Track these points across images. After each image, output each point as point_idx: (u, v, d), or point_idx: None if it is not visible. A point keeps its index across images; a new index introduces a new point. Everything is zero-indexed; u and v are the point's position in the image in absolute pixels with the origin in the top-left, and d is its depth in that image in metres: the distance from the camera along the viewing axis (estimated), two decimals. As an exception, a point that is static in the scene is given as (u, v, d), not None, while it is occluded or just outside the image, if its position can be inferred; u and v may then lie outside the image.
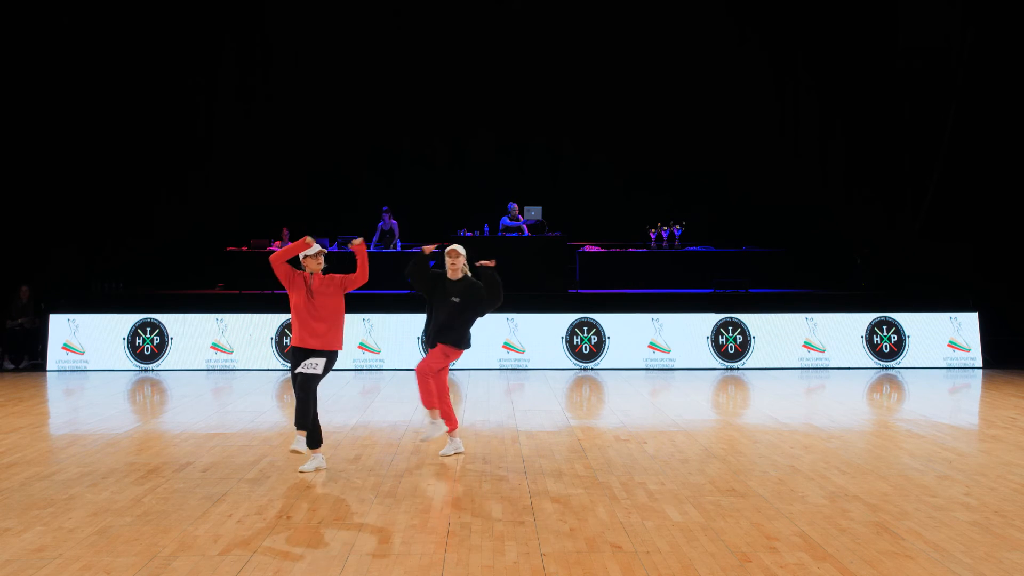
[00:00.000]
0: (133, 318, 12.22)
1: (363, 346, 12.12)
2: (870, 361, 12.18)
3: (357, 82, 16.00)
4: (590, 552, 4.52)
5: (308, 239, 6.26)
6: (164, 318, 12.22)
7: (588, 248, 14.39)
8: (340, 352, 6.36)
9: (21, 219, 13.86)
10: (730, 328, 12.24)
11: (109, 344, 12.18)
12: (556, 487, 5.81)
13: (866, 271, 13.84)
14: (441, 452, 6.82)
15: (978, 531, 4.83)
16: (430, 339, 6.71)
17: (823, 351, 12.18)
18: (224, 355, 12.11)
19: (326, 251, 6.34)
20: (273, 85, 16.12)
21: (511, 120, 16.02)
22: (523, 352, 12.18)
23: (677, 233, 14.61)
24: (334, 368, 6.43)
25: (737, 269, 13.86)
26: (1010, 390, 10.26)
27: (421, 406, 6.84)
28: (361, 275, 6.31)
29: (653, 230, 14.63)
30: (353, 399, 9.64)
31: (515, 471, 6.27)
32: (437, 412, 6.66)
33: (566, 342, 12.21)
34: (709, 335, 12.22)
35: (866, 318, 12.33)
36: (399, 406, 9.17)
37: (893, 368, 12.13)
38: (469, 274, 6.69)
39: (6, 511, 5.29)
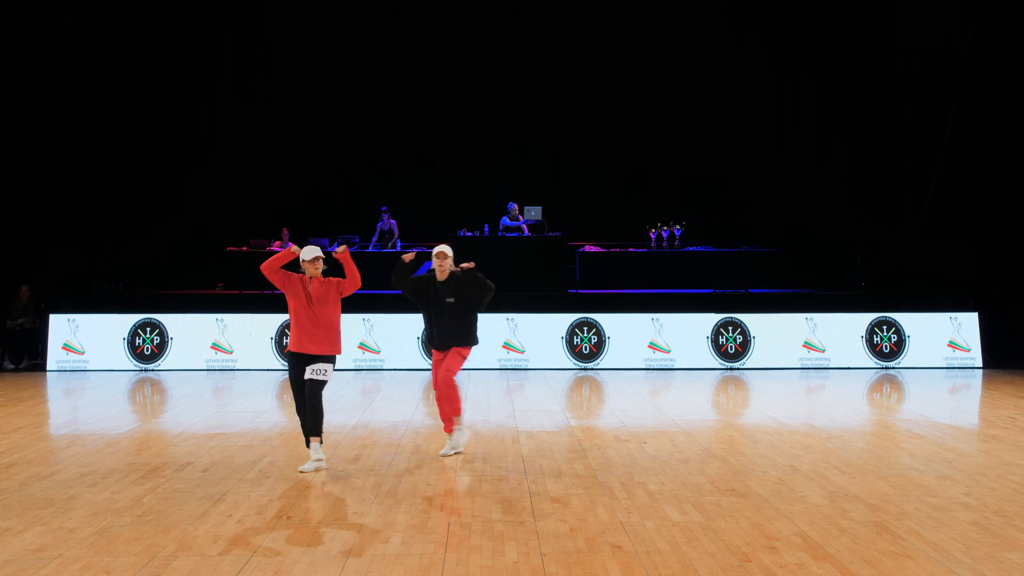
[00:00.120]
0: (133, 318, 12.22)
1: (363, 346, 12.12)
2: (870, 361, 12.18)
3: (357, 82, 16.01)
4: (590, 552, 4.52)
5: (293, 248, 6.24)
6: (164, 318, 12.22)
7: (588, 248, 14.39)
8: (339, 356, 6.38)
9: (21, 219, 13.86)
10: (730, 328, 12.24)
11: (109, 344, 12.18)
12: (556, 487, 5.81)
13: (866, 271, 13.84)
14: (441, 452, 6.82)
15: (978, 531, 4.83)
16: (438, 343, 6.70)
17: (823, 351, 12.18)
18: (224, 355, 12.11)
19: (323, 256, 6.27)
20: (273, 85, 16.13)
21: (511, 120, 16.03)
22: (523, 352, 12.18)
23: (677, 233, 14.61)
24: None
25: (737, 269, 13.87)
26: (1010, 390, 10.26)
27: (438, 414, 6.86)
28: (351, 282, 6.26)
29: (653, 230, 14.64)
30: (353, 399, 9.64)
31: (515, 471, 6.27)
32: (461, 418, 6.78)
33: (566, 342, 12.21)
34: (709, 335, 12.22)
35: (866, 318, 12.33)
36: (399, 406, 9.17)
37: (893, 368, 12.13)
38: (457, 270, 6.69)
39: (6, 511, 5.29)
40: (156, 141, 15.17)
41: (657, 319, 12.23)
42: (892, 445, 7.13)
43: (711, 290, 12.98)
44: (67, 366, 12.13)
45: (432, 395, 9.78)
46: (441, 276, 6.65)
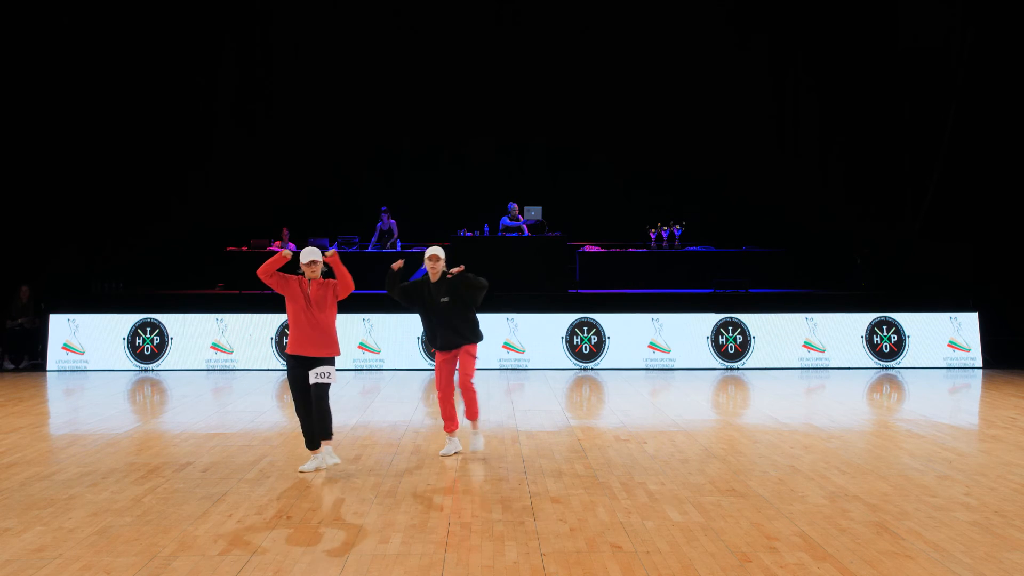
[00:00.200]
0: (133, 318, 12.22)
1: (363, 346, 12.12)
2: (870, 361, 12.18)
3: (357, 82, 16.01)
4: (590, 552, 4.52)
5: (284, 252, 6.21)
6: (164, 318, 12.23)
7: (588, 248, 14.39)
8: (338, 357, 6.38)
9: (21, 219, 13.86)
10: (730, 328, 12.24)
11: (109, 344, 12.18)
12: (556, 487, 5.81)
13: (866, 271, 13.84)
14: (441, 452, 6.82)
15: (978, 531, 4.83)
16: (442, 344, 6.69)
17: (823, 351, 12.18)
18: (224, 355, 12.11)
19: (320, 260, 6.20)
20: (273, 84, 16.13)
21: (511, 120, 16.03)
22: (523, 352, 12.18)
23: (677, 233, 14.61)
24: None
25: (737, 269, 13.87)
26: (1010, 390, 10.26)
27: (464, 417, 6.86)
28: (343, 286, 6.22)
29: (653, 230, 14.63)
30: (353, 399, 9.64)
31: (515, 471, 6.27)
32: (478, 422, 6.80)
33: (566, 342, 12.21)
34: (709, 335, 12.22)
35: (866, 318, 12.33)
36: (399, 406, 9.17)
37: (893, 368, 12.13)
38: (449, 273, 6.68)
39: (6, 511, 5.29)
40: (156, 141, 15.16)
41: (657, 319, 12.23)
42: (892, 445, 7.13)
43: (711, 290, 12.98)
44: (67, 366, 12.13)
45: (433, 395, 9.82)
46: (434, 278, 6.66)
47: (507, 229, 13.93)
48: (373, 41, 16.05)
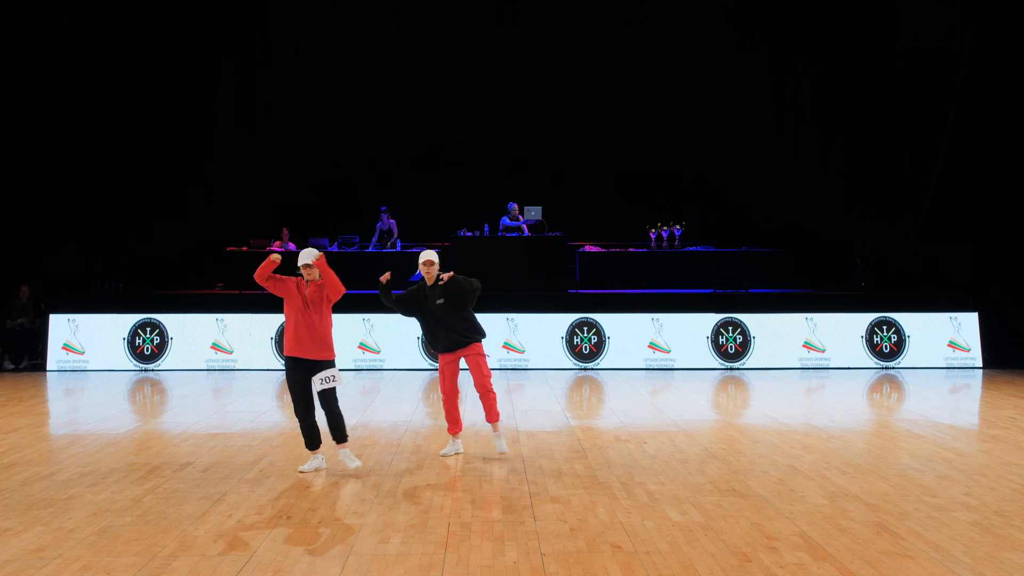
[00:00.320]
0: (133, 318, 12.23)
1: (363, 346, 12.12)
2: (870, 361, 12.18)
3: (357, 82, 16.01)
4: (590, 552, 4.52)
5: (273, 256, 6.21)
6: (164, 318, 12.23)
7: (588, 248, 14.39)
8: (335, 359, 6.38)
9: (21, 219, 13.86)
10: (730, 328, 12.24)
11: (109, 344, 12.18)
12: (556, 487, 5.81)
13: (866, 271, 13.84)
14: (442, 452, 6.83)
15: (978, 531, 4.83)
16: (445, 346, 6.67)
17: (823, 351, 12.18)
18: (224, 355, 12.11)
19: (311, 263, 6.15)
20: (273, 85, 16.12)
21: (511, 120, 16.02)
22: (523, 352, 12.18)
23: (677, 233, 14.61)
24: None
25: (737, 269, 13.87)
26: (1010, 390, 10.26)
27: (485, 420, 6.84)
28: (332, 289, 6.18)
29: (653, 230, 14.63)
30: (353, 399, 9.64)
31: (515, 471, 6.27)
32: (499, 424, 6.77)
33: (566, 342, 12.21)
34: (709, 335, 12.22)
35: (866, 318, 12.33)
36: (399, 406, 9.17)
37: (893, 368, 12.13)
38: (441, 279, 6.67)
39: (6, 511, 5.29)
40: (156, 141, 15.18)
41: (657, 319, 12.23)
42: (892, 445, 7.13)
43: (711, 290, 12.98)
44: (67, 366, 12.13)
45: (433, 395, 9.83)
46: (430, 282, 6.67)
47: (507, 229, 13.93)
48: (373, 41, 16.05)
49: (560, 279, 13.43)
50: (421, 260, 6.66)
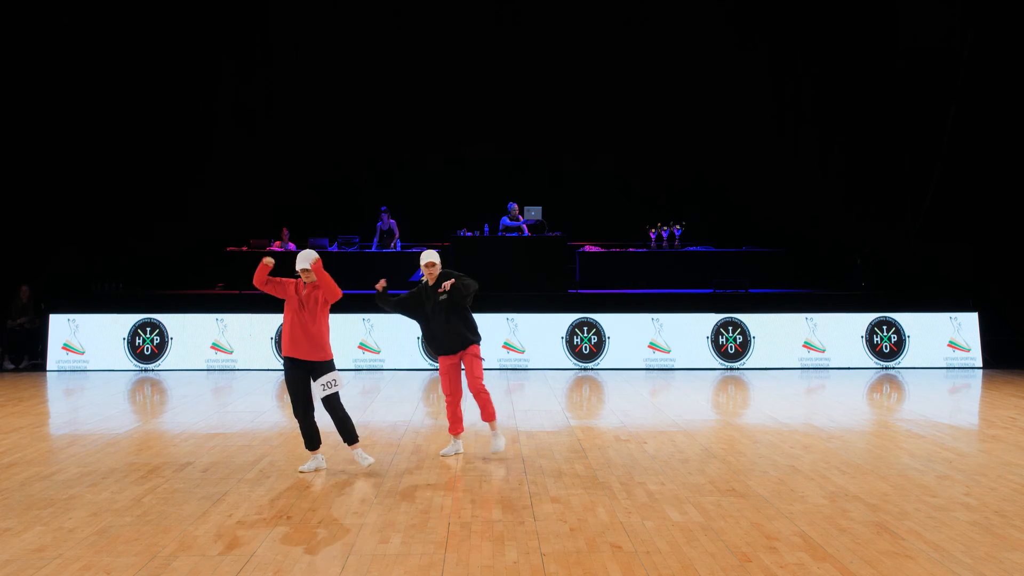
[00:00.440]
0: (133, 318, 12.22)
1: (363, 346, 12.12)
2: (870, 361, 12.18)
3: (357, 82, 16.02)
4: (590, 552, 4.52)
5: (266, 260, 6.21)
6: (164, 318, 12.23)
7: (588, 248, 14.39)
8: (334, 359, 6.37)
9: (21, 219, 13.86)
10: (730, 328, 12.24)
11: (109, 344, 12.18)
12: (556, 487, 5.81)
13: (866, 271, 13.84)
14: (442, 452, 6.83)
15: (978, 531, 4.83)
16: (445, 348, 6.67)
17: (823, 351, 12.18)
18: (224, 355, 12.11)
19: (308, 267, 6.12)
20: (273, 85, 16.13)
21: (511, 120, 16.03)
22: (523, 352, 12.18)
23: (677, 233, 14.61)
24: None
25: (737, 269, 13.87)
26: (1010, 390, 10.26)
27: (481, 420, 6.85)
28: (329, 293, 6.18)
29: (653, 230, 14.63)
30: (353, 399, 9.64)
31: (515, 471, 6.27)
32: (496, 423, 6.78)
33: (566, 342, 12.21)
34: (709, 335, 12.22)
35: (866, 318, 12.33)
36: (399, 406, 9.17)
37: (893, 368, 12.13)
38: (442, 288, 6.66)
39: (6, 511, 5.29)
40: (156, 141, 15.18)
41: (657, 319, 12.23)
42: (892, 445, 7.13)
43: (711, 290, 12.98)
44: (67, 366, 12.13)
45: (433, 395, 9.83)
46: (431, 282, 6.68)
47: (507, 229, 13.93)
48: (373, 41, 16.05)
49: (560, 279, 13.43)
50: (423, 261, 6.66)
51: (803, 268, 14.49)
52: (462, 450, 6.88)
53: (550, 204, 14.44)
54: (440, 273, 6.68)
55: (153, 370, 12.08)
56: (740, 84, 15.90)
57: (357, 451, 6.29)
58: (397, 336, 12.14)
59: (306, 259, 6.16)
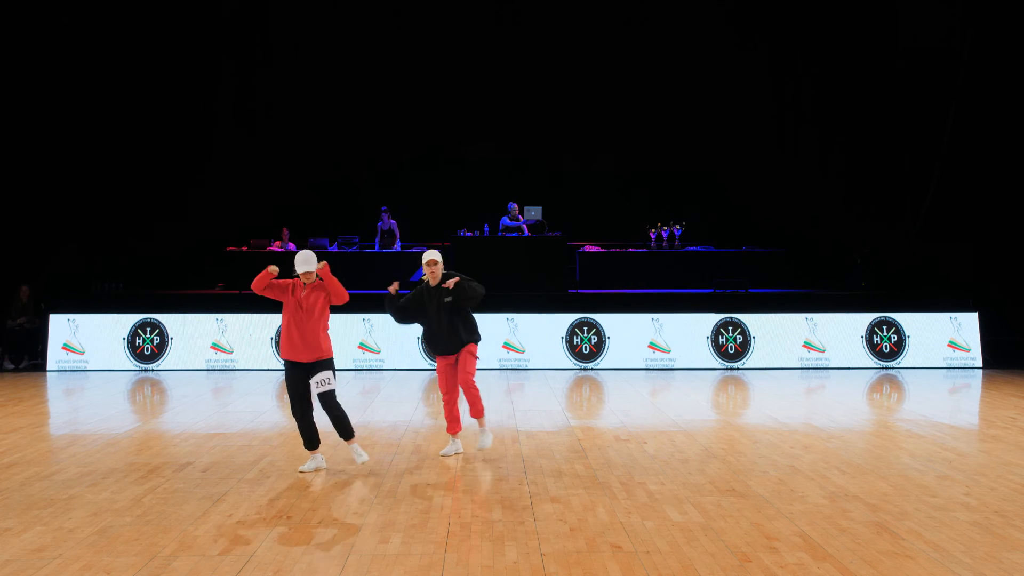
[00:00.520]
0: (133, 318, 12.22)
1: (363, 346, 12.12)
2: (870, 361, 12.18)
3: (357, 81, 16.00)
4: (590, 552, 4.52)
5: (271, 268, 6.17)
6: (164, 318, 12.22)
7: (588, 248, 14.39)
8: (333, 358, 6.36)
9: (21, 219, 13.86)
10: (730, 328, 12.24)
11: (109, 344, 12.18)
12: (556, 487, 5.81)
13: (866, 271, 13.84)
14: (441, 452, 6.83)
15: (978, 531, 4.83)
16: (444, 348, 6.69)
17: (823, 351, 12.18)
18: (224, 355, 12.11)
19: (312, 270, 6.15)
20: (273, 85, 16.12)
21: (511, 120, 16.01)
22: (523, 352, 12.18)
23: (677, 233, 14.61)
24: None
25: (737, 269, 13.87)
26: (1010, 390, 10.26)
27: (470, 416, 6.85)
28: (336, 297, 6.20)
29: (653, 230, 14.63)
30: (353, 399, 9.64)
31: (515, 471, 6.27)
32: (484, 419, 6.78)
33: (566, 342, 12.21)
34: (709, 335, 12.22)
35: (866, 318, 12.33)
36: (399, 406, 9.17)
37: (893, 368, 12.13)
38: (447, 284, 6.67)
39: (6, 511, 5.29)
40: (156, 141, 15.17)
41: (657, 319, 12.23)
42: (892, 445, 7.13)
43: (711, 290, 12.98)
44: (67, 366, 12.13)
45: (433, 395, 9.83)
46: (434, 282, 6.68)
47: (507, 229, 13.93)
48: (373, 41, 16.05)
49: (560, 279, 13.43)
50: (424, 260, 6.66)
51: (803, 268, 14.49)
52: (462, 450, 6.88)
53: (550, 204, 14.43)
54: (443, 274, 6.68)
55: (153, 370, 12.08)
56: (740, 84, 15.89)
57: (354, 446, 6.29)
58: (397, 336, 12.13)
59: (309, 261, 6.15)
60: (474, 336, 6.74)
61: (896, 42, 14.92)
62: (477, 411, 6.75)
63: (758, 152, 15.85)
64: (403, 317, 6.81)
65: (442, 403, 6.88)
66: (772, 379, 11.21)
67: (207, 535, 4.82)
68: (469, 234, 13.69)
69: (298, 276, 6.22)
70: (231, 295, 12.87)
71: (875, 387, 10.68)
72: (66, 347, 12.16)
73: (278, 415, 8.65)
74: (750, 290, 12.93)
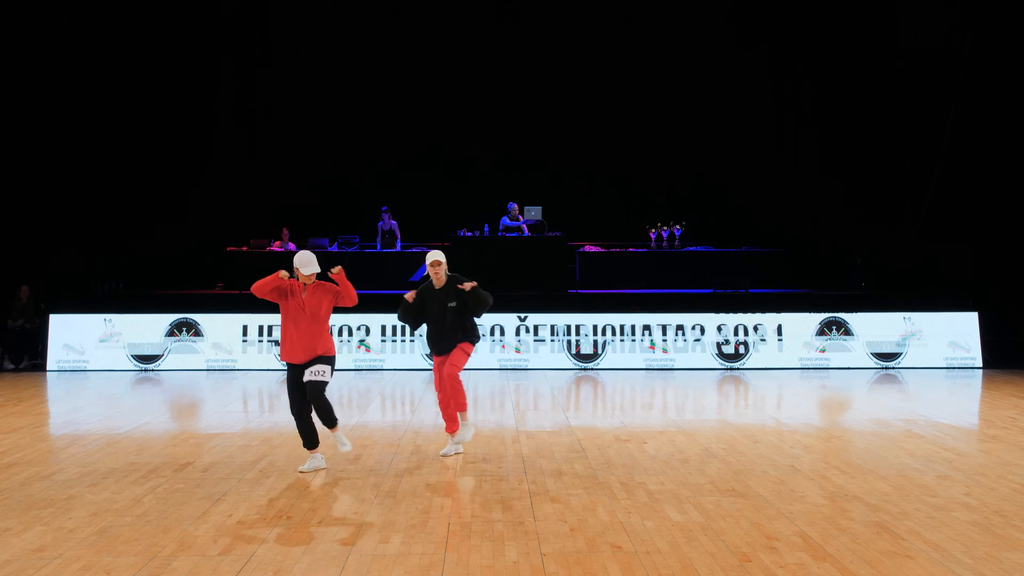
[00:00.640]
0: (134, 318, 12.22)
1: (363, 346, 12.12)
2: (870, 361, 12.17)
3: (357, 81, 16.00)
4: (590, 552, 4.52)
5: (282, 273, 6.14)
6: (164, 318, 12.21)
7: (588, 248, 14.39)
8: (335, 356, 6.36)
9: (21, 219, 13.86)
10: (731, 328, 12.23)
11: (110, 344, 12.17)
12: (556, 487, 5.81)
13: (866, 271, 13.84)
14: (441, 452, 6.82)
15: (978, 531, 4.83)
16: (441, 348, 6.72)
17: (823, 351, 12.17)
18: (225, 355, 12.10)
19: (317, 271, 6.15)
20: (273, 85, 16.12)
21: (512, 120, 16.00)
22: (523, 352, 12.17)
23: (677, 233, 14.61)
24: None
25: (737, 269, 13.86)
26: (1010, 390, 10.26)
27: (438, 409, 6.86)
28: (349, 299, 6.20)
29: (653, 230, 14.63)
30: (353, 399, 9.64)
31: (515, 471, 6.27)
32: (467, 414, 6.79)
33: (566, 342, 12.21)
34: (710, 336, 12.21)
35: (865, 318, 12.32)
36: (399, 406, 9.18)
37: (893, 368, 12.12)
38: (462, 287, 6.67)
39: (6, 511, 5.29)
40: (156, 141, 15.16)
41: (657, 319, 12.22)
42: (892, 445, 7.13)
43: (711, 290, 12.98)
44: (67, 366, 12.13)
45: (434, 396, 9.82)
46: (438, 283, 6.68)
47: (507, 229, 13.93)
48: (373, 41, 16.04)
49: (560, 279, 13.42)
50: (429, 260, 6.67)
51: (803, 268, 14.48)
52: (462, 450, 6.88)
53: (550, 204, 14.43)
54: (449, 276, 6.69)
55: (153, 370, 12.08)
56: (740, 84, 15.88)
57: (337, 435, 6.27)
58: (397, 336, 12.13)
59: (313, 262, 6.14)
60: (471, 337, 6.75)
61: (896, 42, 14.91)
62: (459, 404, 6.75)
63: (758, 152, 15.84)
64: (415, 321, 6.82)
65: (438, 402, 6.88)
66: (772, 379, 11.21)
67: (207, 535, 4.82)
68: (469, 234, 13.69)
69: (295, 277, 6.19)
70: (231, 295, 12.84)
71: (875, 387, 10.66)
72: (67, 347, 12.14)
73: (278, 415, 8.65)
74: (750, 290, 12.92)
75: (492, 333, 12.07)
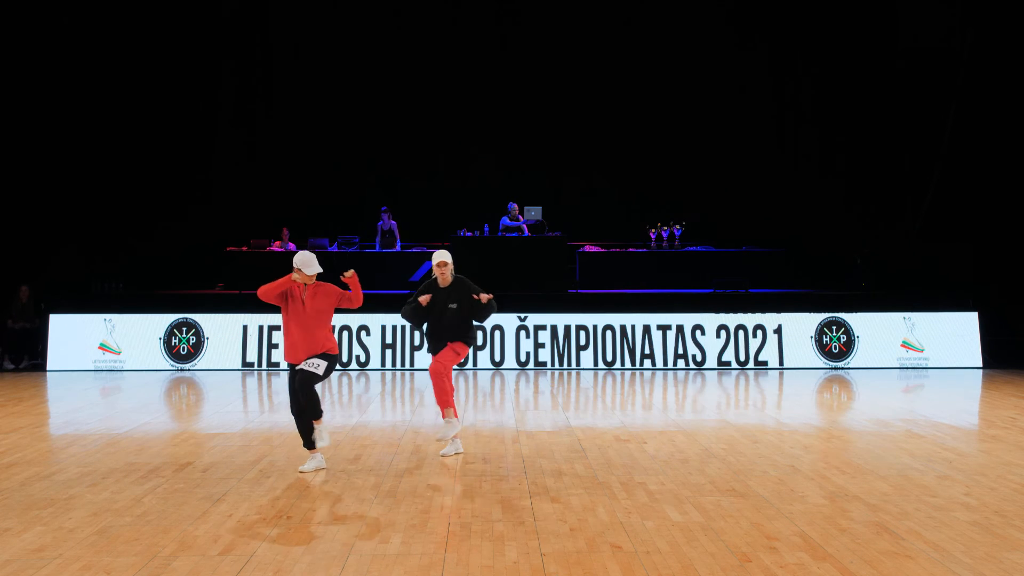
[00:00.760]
0: (134, 318, 12.21)
1: (363, 346, 12.11)
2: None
3: (357, 81, 16.01)
4: (590, 552, 4.52)
5: (295, 276, 6.12)
6: (164, 318, 12.21)
7: (588, 248, 14.39)
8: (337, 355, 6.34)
9: (21, 219, 13.85)
10: (730, 329, 12.22)
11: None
12: (556, 487, 5.81)
13: (866, 271, 13.83)
14: (441, 452, 6.82)
15: (978, 531, 4.83)
16: (436, 343, 6.76)
17: (823, 351, 12.17)
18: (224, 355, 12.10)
19: (319, 271, 6.15)
20: (273, 85, 16.13)
21: (512, 120, 16.00)
22: (523, 352, 12.16)
23: (677, 233, 14.61)
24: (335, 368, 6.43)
25: (737, 269, 13.86)
26: (1010, 390, 10.26)
27: (436, 406, 6.86)
28: (357, 301, 6.22)
29: (653, 230, 14.63)
30: (353, 399, 9.64)
31: (515, 471, 6.27)
32: (452, 411, 6.78)
33: (566, 342, 12.19)
34: (709, 335, 12.20)
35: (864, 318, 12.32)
36: (399, 406, 9.18)
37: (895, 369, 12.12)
38: (480, 296, 6.69)
39: (6, 511, 5.29)
40: (156, 141, 15.16)
41: (658, 319, 12.22)
42: (892, 445, 7.13)
43: (711, 290, 12.98)
44: (67, 366, 12.12)
45: (434, 397, 9.83)
46: (444, 283, 6.70)
47: (507, 229, 13.93)
48: (373, 41, 16.04)
49: (560, 279, 13.42)
50: (435, 261, 6.72)
51: (803, 268, 14.48)
52: (461, 450, 6.88)
53: (550, 204, 14.43)
54: (456, 278, 6.70)
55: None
56: (740, 84, 15.88)
57: (320, 428, 6.23)
58: (397, 336, 12.12)
59: (315, 263, 6.13)
60: (467, 339, 6.77)
61: (896, 42, 14.91)
62: (439, 401, 6.76)
63: (758, 152, 15.84)
64: (419, 320, 6.83)
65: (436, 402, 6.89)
66: (772, 379, 11.22)
67: (207, 535, 4.82)
68: (469, 234, 13.69)
69: (294, 277, 6.16)
70: (231, 295, 12.84)
71: (875, 387, 10.66)
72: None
73: (278, 415, 8.65)
74: (750, 290, 12.92)
75: (492, 333, 12.05)
